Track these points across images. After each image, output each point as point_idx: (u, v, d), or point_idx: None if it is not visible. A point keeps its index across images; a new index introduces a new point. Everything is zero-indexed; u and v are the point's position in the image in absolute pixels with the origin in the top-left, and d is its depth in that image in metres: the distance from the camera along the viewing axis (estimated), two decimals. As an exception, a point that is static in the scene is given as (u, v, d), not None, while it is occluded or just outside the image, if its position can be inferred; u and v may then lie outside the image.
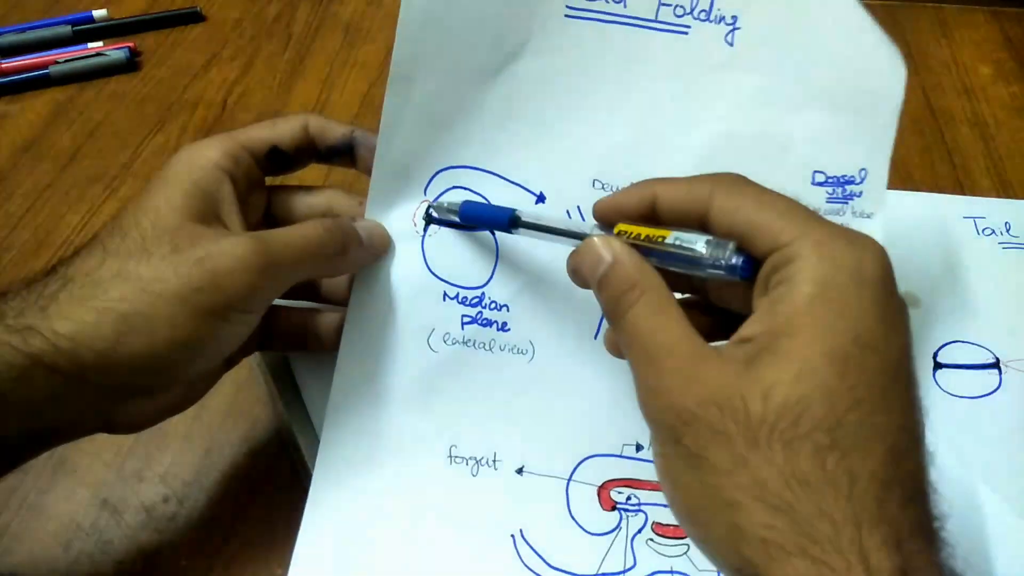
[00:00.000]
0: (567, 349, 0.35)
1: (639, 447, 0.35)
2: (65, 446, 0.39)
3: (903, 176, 0.53)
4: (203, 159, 0.31)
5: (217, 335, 0.29)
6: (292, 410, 0.37)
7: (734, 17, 0.33)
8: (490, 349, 0.35)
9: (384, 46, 0.31)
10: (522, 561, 0.34)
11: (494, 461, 0.35)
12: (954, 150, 0.55)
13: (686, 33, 0.33)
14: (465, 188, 0.35)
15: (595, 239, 0.28)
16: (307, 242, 0.31)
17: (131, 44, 0.63)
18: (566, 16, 0.33)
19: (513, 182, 0.35)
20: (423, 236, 0.35)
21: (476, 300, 0.35)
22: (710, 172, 0.28)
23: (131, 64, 0.62)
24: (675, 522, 0.32)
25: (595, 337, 0.35)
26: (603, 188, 0.34)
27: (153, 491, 0.38)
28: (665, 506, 0.33)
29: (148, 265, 0.28)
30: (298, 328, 0.36)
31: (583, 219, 0.34)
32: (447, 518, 0.34)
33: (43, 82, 0.60)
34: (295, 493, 0.35)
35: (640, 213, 0.28)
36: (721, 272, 0.25)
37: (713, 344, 0.25)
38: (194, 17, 0.66)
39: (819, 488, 0.22)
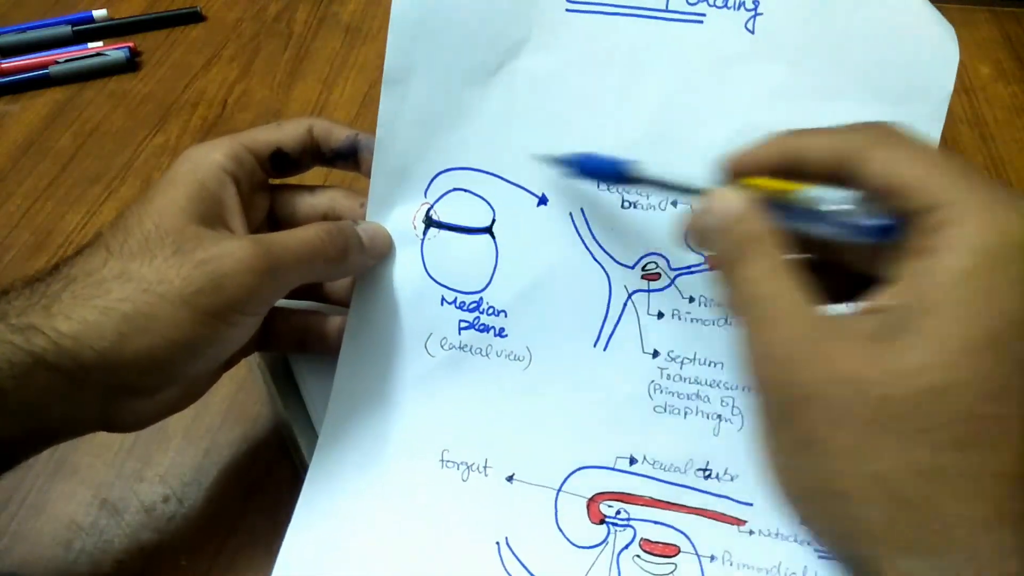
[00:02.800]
0: (564, 357, 0.34)
1: (632, 460, 0.34)
2: (65, 446, 0.39)
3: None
4: (207, 161, 0.31)
5: (218, 337, 0.29)
6: (292, 410, 0.37)
7: (755, 2, 0.31)
8: (486, 355, 0.34)
9: (384, 46, 0.32)
10: (505, 569, 0.33)
11: (485, 467, 0.34)
12: (954, 150, 0.55)
13: (701, 22, 0.32)
14: (465, 190, 0.34)
15: (724, 189, 0.26)
16: (308, 246, 0.31)
17: (131, 44, 0.63)
18: (567, 10, 0.32)
19: (514, 183, 0.34)
20: (422, 239, 0.34)
21: (474, 305, 0.34)
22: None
23: (131, 64, 0.62)
24: (664, 540, 0.33)
25: (594, 345, 0.34)
26: (608, 189, 0.33)
27: (153, 491, 0.38)
28: (655, 522, 0.33)
29: (151, 266, 0.28)
30: (298, 330, 0.36)
31: (587, 224, 0.34)
32: (434, 522, 0.34)
33: (43, 82, 0.60)
34: (295, 493, 0.35)
35: (779, 166, 0.26)
36: (867, 235, 0.23)
37: (831, 309, 0.23)
38: (194, 17, 0.66)
39: (950, 483, 0.20)
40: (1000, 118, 0.57)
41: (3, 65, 0.61)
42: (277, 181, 0.36)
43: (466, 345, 0.35)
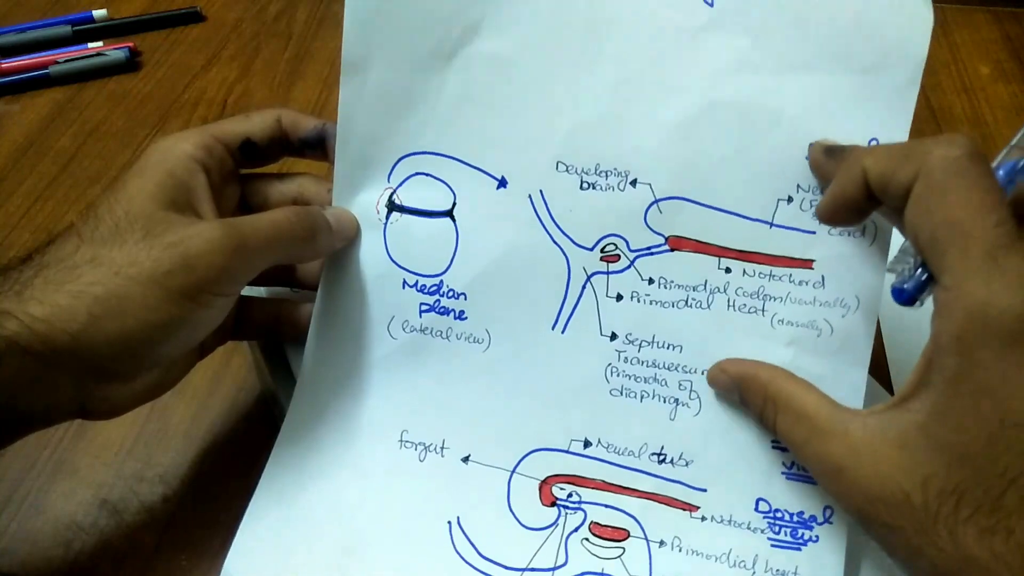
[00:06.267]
0: (522, 340, 0.34)
1: (587, 443, 0.33)
2: (65, 446, 0.39)
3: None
4: (177, 150, 0.32)
5: (190, 317, 0.29)
6: (292, 410, 0.37)
7: None
8: (446, 337, 0.34)
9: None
10: (455, 548, 0.33)
11: (442, 448, 0.34)
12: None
13: None
14: (427, 174, 0.34)
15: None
16: (276, 227, 0.31)
17: (131, 44, 0.63)
18: None
19: (474, 167, 0.34)
20: (385, 224, 0.35)
21: (435, 288, 0.34)
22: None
23: (131, 64, 0.62)
24: (613, 523, 0.33)
25: (552, 328, 0.34)
26: (567, 171, 0.33)
27: (153, 491, 0.38)
28: (606, 506, 0.33)
29: (121, 250, 0.28)
30: (270, 317, 0.37)
31: (546, 205, 0.33)
32: (390, 501, 0.34)
33: (43, 82, 0.60)
34: (295, 493, 0.35)
35: (859, 200, 0.27)
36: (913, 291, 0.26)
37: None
38: (194, 17, 0.66)
39: (991, 570, 0.22)
40: (1000, 118, 0.57)
41: (3, 65, 0.61)
42: (249, 171, 0.36)
43: (427, 328, 0.35)
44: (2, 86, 0.60)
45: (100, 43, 0.63)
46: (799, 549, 0.31)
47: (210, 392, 0.41)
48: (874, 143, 0.30)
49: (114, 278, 0.28)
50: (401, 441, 0.35)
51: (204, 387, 0.41)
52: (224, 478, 0.38)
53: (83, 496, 0.38)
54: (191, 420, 0.40)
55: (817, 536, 0.31)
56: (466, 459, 0.34)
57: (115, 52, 0.61)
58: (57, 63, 0.61)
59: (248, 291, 0.38)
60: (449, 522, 0.34)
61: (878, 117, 0.30)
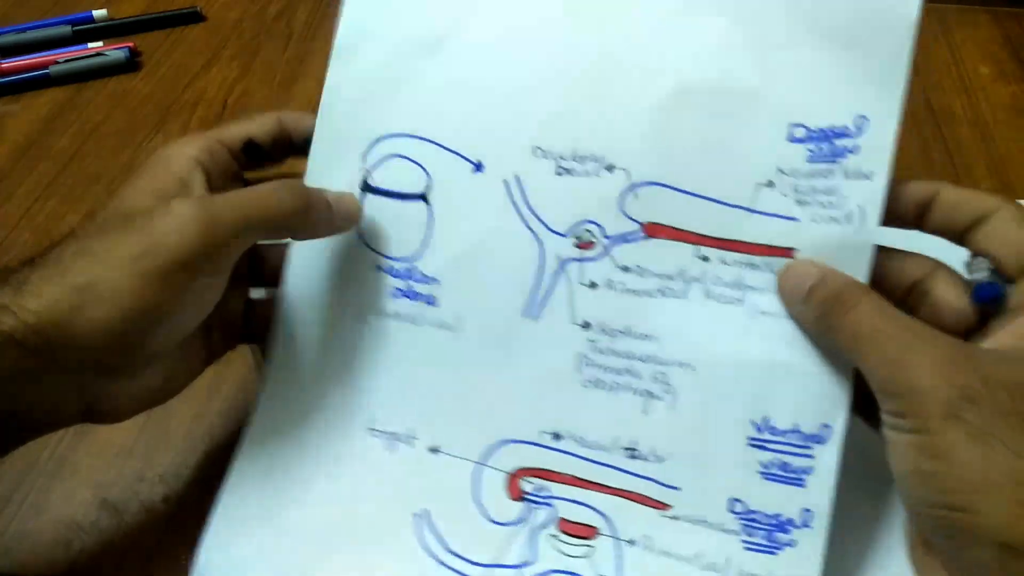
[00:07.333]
0: (493, 328, 0.33)
1: (557, 436, 0.32)
2: (65, 446, 0.39)
3: (903, 176, 0.52)
4: (177, 153, 0.32)
5: (171, 301, 0.29)
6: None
7: None
8: (417, 323, 0.34)
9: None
10: (422, 542, 0.33)
11: (411, 438, 0.34)
12: (954, 150, 0.55)
13: None
14: (404, 157, 0.34)
15: (795, 262, 0.30)
16: (259, 201, 0.30)
17: (131, 44, 0.63)
18: None
19: (451, 150, 0.34)
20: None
21: (406, 272, 0.34)
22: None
23: (131, 64, 0.62)
24: (582, 520, 0.32)
25: (523, 315, 0.33)
26: (544, 156, 0.33)
27: (153, 491, 0.38)
28: (575, 502, 0.32)
29: (103, 239, 0.29)
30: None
31: (522, 191, 0.33)
32: (359, 491, 0.33)
33: (43, 82, 0.60)
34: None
35: (915, 210, 0.30)
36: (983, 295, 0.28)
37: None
38: (194, 17, 0.66)
39: None
40: (1000, 118, 0.57)
41: (3, 65, 0.61)
42: (254, 175, 0.36)
43: (398, 313, 0.34)
44: (2, 86, 0.60)
45: (100, 43, 0.63)
46: (774, 553, 0.30)
47: (211, 392, 0.41)
48: (863, 121, 0.29)
49: (94, 266, 0.28)
50: (371, 430, 0.34)
51: (205, 387, 0.41)
52: (224, 478, 0.38)
53: (83, 496, 0.38)
54: (192, 420, 0.40)
55: (794, 541, 0.30)
56: (435, 450, 0.33)
57: (115, 52, 0.61)
58: (57, 63, 0.61)
59: (256, 293, 0.37)
60: (416, 515, 0.33)
61: (866, 94, 0.29)
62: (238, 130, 0.34)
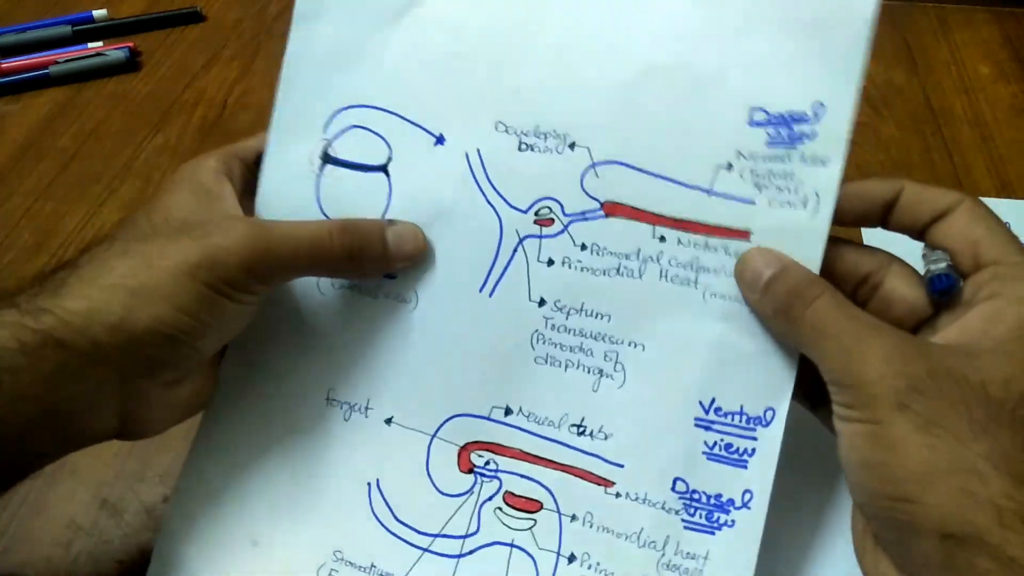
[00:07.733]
0: (449, 302, 0.33)
1: (508, 411, 0.33)
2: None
3: (903, 176, 0.52)
4: (202, 166, 0.33)
5: (220, 312, 0.29)
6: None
7: None
8: (375, 296, 0.34)
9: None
10: (372, 510, 0.33)
11: (366, 408, 0.34)
12: (954, 150, 0.55)
13: None
14: (365, 128, 0.34)
15: (754, 250, 0.30)
16: (310, 240, 0.31)
17: (131, 44, 0.63)
18: None
19: (412, 122, 0.33)
20: (319, 176, 0.34)
21: None
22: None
23: (131, 64, 0.62)
24: (527, 494, 0.32)
25: (480, 291, 0.33)
26: (506, 131, 0.33)
27: (153, 491, 0.38)
28: (522, 476, 0.33)
29: (153, 244, 0.29)
30: None
31: (483, 165, 0.33)
32: (314, 459, 0.34)
33: (43, 82, 0.60)
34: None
35: (881, 209, 0.31)
36: (938, 287, 0.28)
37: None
38: (194, 17, 0.66)
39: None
40: (1000, 118, 0.57)
41: (3, 65, 0.61)
42: None
43: (356, 285, 0.34)
44: (2, 86, 0.60)
45: (100, 43, 0.63)
46: (712, 533, 0.31)
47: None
48: (820, 108, 0.30)
49: (146, 270, 0.28)
50: (328, 399, 0.34)
51: (204, 387, 0.41)
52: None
53: (83, 496, 0.38)
54: (191, 421, 0.40)
55: (733, 521, 0.30)
56: (389, 420, 0.34)
57: (115, 52, 0.62)
58: (57, 63, 0.61)
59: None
60: (369, 483, 0.33)
61: (823, 80, 0.30)
62: (252, 144, 0.35)
